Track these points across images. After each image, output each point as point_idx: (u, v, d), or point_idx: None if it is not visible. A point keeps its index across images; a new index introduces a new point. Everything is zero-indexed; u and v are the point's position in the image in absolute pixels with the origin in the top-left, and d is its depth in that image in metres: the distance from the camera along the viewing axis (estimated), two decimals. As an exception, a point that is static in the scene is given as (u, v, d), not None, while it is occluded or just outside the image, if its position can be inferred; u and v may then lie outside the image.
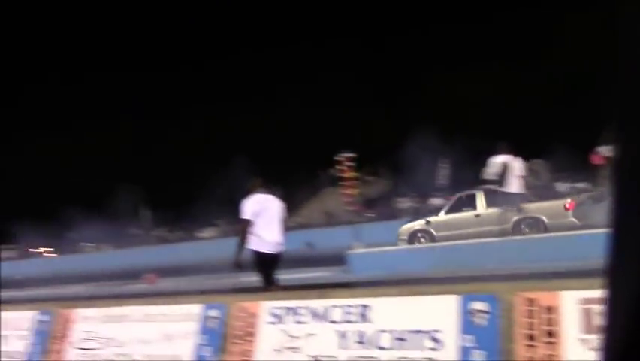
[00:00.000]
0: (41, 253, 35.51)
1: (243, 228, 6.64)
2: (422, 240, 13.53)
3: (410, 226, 13.89)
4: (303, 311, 4.52)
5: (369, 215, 23.91)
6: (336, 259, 13.09)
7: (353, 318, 4.23)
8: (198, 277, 14.26)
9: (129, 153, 35.89)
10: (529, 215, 12.65)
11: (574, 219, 12.46)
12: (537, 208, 12.83)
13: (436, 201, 22.78)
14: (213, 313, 4.90)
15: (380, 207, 26.76)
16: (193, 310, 5.02)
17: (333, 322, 4.34)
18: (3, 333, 5.86)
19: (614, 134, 0.73)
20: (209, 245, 24.54)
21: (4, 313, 5.99)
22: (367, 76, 35.81)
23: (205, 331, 4.88)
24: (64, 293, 14.64)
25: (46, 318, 5.70)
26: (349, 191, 17.25)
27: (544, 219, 12.70)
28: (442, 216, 13.63)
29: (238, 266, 6.47)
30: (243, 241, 6.58)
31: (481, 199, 13.39)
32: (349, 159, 17.03)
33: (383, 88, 37.43)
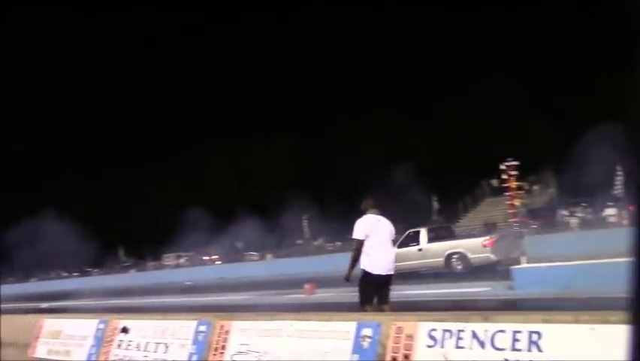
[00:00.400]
0: (212, 260, 37.38)
1: (355, 247, 6.78)
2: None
3: None
4: (463, 335, 4.11)
5: (532, 226, 22.98)
6: (499, 274, 12.98)
7: (521, 346, 3.74)
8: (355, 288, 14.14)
9: (298, 163, 36.09)
10: (456, 250, 15.26)
11: (490, 255, 14.72)
12: (462, 244, 15.47)
13: (609, 211, 21.93)
14: (367, 332, 4.64)
15: (544, 218, 25.30)
16: (346, 328, 4.81)
17: (498, 349, 3.87)
18: (167, 341, 6.11)
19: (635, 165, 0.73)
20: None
21: (167, 322, 6.26)
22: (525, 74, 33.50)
23: (358, 350, 4.64)
24: (227, 301, 15.21)
25: (204, 328, 5.84)
26: (513, 201, 16.65)
27: (468, 254, 14.93)
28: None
29: (347, 281, 6.82)
30: (355, 259, 6.75)
31: (424, 235, 16.20)
32: (513, 168, 16.43)
33: (541, 88, 34.33)
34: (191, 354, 5.77)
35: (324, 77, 43.99)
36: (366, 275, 6.69)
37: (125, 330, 6.73)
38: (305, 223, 35.60)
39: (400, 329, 4.44)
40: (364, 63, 45.05)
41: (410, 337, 4.34)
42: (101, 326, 7.02)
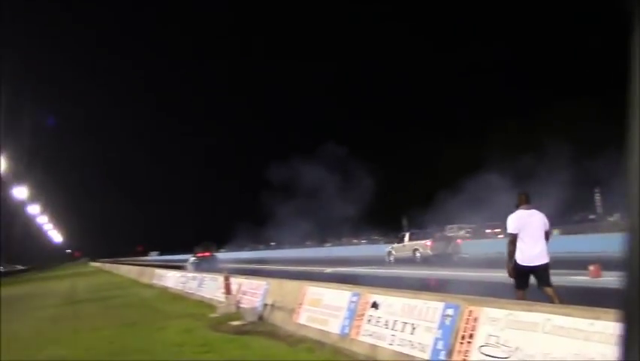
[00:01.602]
0: (495, 233, 36.69)
1: (509, 241, 7.38)
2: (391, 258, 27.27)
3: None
4: None
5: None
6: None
7: None
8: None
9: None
10: (415, 247, 25.81)
11: (430, 253, 24.98)
12: (416, 244, 25.86)
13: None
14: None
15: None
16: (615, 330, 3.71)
17: None
18: (414, 321, 5.71)
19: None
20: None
21: (415, 301, 5.87)
22: None
23: None
24: (479, 278, 15.05)
25: (451, 312, 5.32)
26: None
27: (420, 250, 25.51)
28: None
29: (509, 275, 7.34)
30: (510, 253, 7.33)
31: (406, 236, 27.08)
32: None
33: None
34: (436, 340, 5.34)
35: None
36: (518, 266, 7.25)
37: (375, 305, 6.57)
38: (597, 197, 32.26)
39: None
40: None
41: None
42: (354, 298, 7.00)
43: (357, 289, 7.22)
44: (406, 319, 5.87)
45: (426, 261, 24.90)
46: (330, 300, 7.61)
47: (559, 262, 9.52)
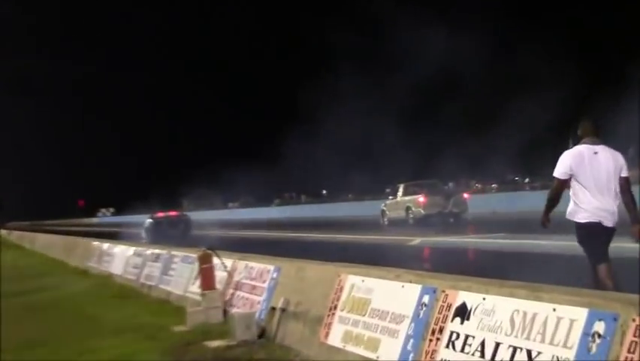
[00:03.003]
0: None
1: (556, 188, 8.57)
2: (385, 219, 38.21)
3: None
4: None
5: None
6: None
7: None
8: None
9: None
10: (407, 204, 35.15)
11: (422, 210, 33.93)
12: (409, 200, 35.23)
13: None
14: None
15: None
16: None
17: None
18: (531, 346, 5.48)
19: None
20: None
21: (537, 306, 5.62)
22: None
23: None
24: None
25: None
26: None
27: (412, 206, 34.59)
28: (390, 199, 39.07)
29: (544, 226, 8.75)
30: (550, 202, 8.62)
31: (400, 190, 36.75)
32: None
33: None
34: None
35: None
36: (581, 227, 8.29)
37: (462, 312, 6.30)
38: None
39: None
40: None
41: None
42: (426, 298, 6.74)
43: (432, 281, 6.99)
44: (520, 340, 5.57)
45: (419, 223, 33.08)
46: (382, 301, 7.54)
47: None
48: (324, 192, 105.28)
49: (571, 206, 8.35)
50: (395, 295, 7.33)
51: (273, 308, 9.68)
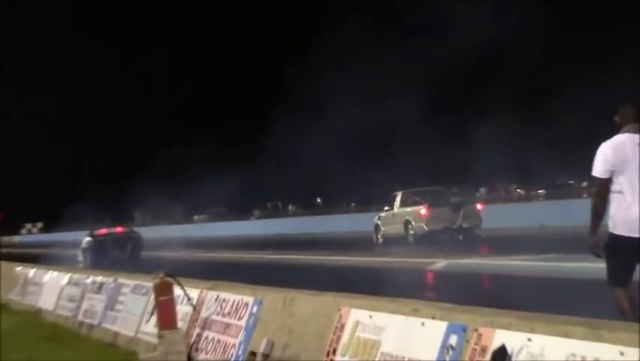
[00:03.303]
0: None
1: (596, 192, 8.82)
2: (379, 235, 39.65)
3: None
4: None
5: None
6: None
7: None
8: None
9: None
10: (406, 217, 36.17)
11: (424, 225, 34.46)
12: (409, 212, 36.59)
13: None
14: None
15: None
16: None
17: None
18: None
19: None
20: None
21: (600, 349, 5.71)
22: None
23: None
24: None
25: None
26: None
27: (412, 220, 35.69)
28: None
29: (595, 254, 8.81)
30: (598, 213, 8.67)
31: (397, 200, 38.17)
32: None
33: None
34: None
35: None
36: (613, 239, 8.51)
37: (501, 356, 6.36)
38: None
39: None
40: None
41: None
42: (454, 340, 6.82)
43: (461, 316, 7.02)
44: None
45: (420, 241, 33.87)
46: (395, 343, 7.55)
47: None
48: (319, 200, 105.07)
49: (611, 210, 8.52)
50: (413, 336, 7.35)
51: (253, 354, 9.71)
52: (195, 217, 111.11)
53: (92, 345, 14.47)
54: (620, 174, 8.25)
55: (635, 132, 8.35)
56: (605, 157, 8.36)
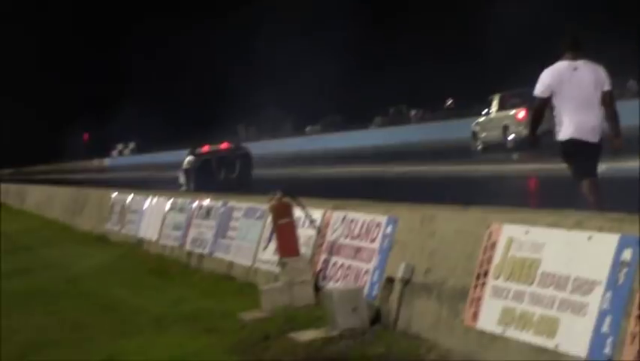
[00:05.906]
0: None
1: (535, 108, 12.45)
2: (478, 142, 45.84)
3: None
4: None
5: None
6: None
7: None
8: None
9: None
10: (504, 122, 40.63)
11: (523, 129, 34.33)
12: (505, 116, 40.67)
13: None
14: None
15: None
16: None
17: None
18: None
19: None
20: None
21: None
22: None
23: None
24: None
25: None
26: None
27: (511, 125, 39.61)
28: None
29: (532, 146, 13.56)
30: (532, 123, 12.80)
31: (494, 103, 42.63)
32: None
33: None
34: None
35: None
36: (562, 145, 11.59)
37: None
38: None
39: None
40: None
41: None
42: (628, 254, 6.68)
43: (632, 226, 6.93)
44: None
45: (520, 147, 35.37)
46: (557, 261, 7.51)
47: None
48: (450, 102, 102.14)
49: (556, 125, 11.63)
50: (578, 252, 7.28)
51: (390, 280, 9.76)
52: (307, 128, 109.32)
53: (204, 278, 14.63)
54: (559, 94, 11.28)
55: (572, 60, 11.25)
56: (544, 81, 11.45)
